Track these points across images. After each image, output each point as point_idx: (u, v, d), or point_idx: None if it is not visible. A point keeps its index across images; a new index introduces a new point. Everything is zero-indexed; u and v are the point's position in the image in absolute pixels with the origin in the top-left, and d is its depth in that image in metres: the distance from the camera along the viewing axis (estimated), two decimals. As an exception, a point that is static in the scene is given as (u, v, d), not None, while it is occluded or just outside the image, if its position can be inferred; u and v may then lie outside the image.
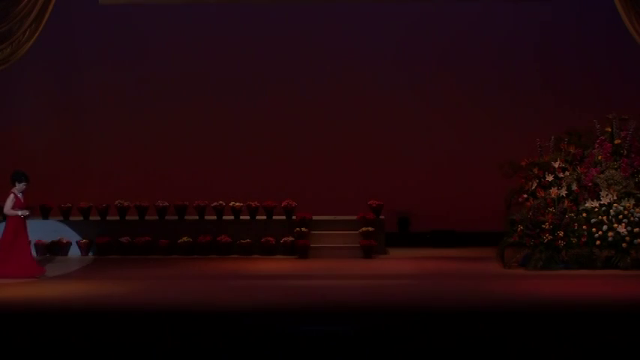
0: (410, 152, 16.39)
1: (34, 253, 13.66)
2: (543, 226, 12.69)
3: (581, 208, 13.01)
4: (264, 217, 14.93)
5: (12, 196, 12.34)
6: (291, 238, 14.51)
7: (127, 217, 15.02)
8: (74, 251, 14.70)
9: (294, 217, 14.81)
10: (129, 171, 16.34)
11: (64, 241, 14.68)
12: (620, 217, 12.74)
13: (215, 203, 14.87)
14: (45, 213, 14.99)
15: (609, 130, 13.47)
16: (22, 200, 12.46)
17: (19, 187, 12.43)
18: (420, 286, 11.49)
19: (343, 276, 12.34)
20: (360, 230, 14.54)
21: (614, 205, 12.83)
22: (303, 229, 14.57)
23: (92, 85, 16.63)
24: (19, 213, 12.27)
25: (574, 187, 13.10)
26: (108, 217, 15.04)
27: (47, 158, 16.45)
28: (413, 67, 16.42)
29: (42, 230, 14.55)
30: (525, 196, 13.28)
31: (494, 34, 16.36)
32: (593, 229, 12.76)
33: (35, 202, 14.92)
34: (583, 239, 12.75)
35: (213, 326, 9.05)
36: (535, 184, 13.26)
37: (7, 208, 12.33)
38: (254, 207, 14.89)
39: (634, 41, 13.69)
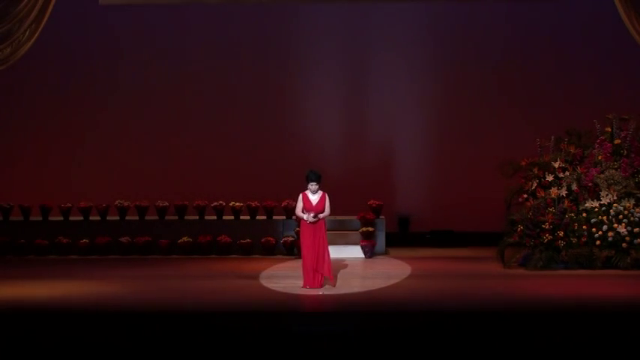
0: (410, 152, 16.40)
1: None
2: (543, 226, 12.68)
3: (581, 208, 12.99)
4: (264, 217, 14.92)
5: (300, 196, 11.37)
6: (291, 238, 14.50)
7: (127, 217, 15.01)
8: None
9: (294, 217, 14.80)
10: (129, 171, 16.34)
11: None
12: (620, 217, 12.73)
13: (215, 203, 14.87)
14: (45, 213, 14.98)
15: (609, 130, 13.46)
16: (314, 203, 11.31)
17: (310, 187, 11.34)
18: (420, 286, 11.48)
19: (343, 276, 12.32)
20: (360, 230, 14.53)
21: (614, 205, 12.82)
22: (303, 229, 14.56)
23: (92, 84, 16.62)
24: (304, 217, 11.27)
25: (574, 187, 13.09)
26: (108, 217, 15.03)
27: (47, 158, 16.46)
28: (412, 67, 16.42)
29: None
30: (525, 196, 13.27)
31: (494, 35, 16.35)
32: (593, 229, 12.75)
33: (36, 202, 14.96)
34: (583, 239, 12.74)
35: (213, 326, 9.04)
36: (535, 184, 13.25)
37: (297, 209, 11.40)
38: (254, 207, 14.88)
39: (634, 41, 13.69)
